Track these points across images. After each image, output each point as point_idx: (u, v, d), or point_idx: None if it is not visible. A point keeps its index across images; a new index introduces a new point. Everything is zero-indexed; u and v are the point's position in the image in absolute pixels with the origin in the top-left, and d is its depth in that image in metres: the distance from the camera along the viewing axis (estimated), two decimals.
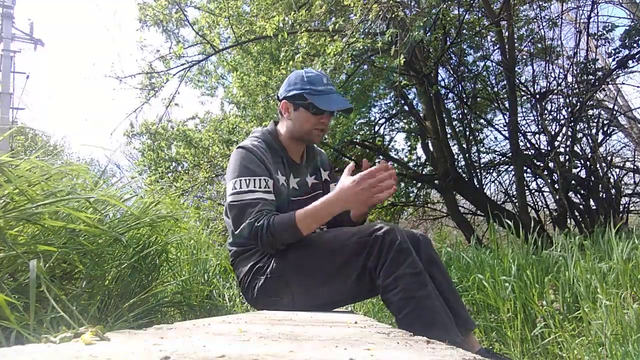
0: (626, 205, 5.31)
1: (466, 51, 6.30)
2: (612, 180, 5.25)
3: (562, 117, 5.51)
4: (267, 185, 1.51)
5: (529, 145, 6.00)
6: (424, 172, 7.08)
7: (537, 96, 5.59)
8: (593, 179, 5.06)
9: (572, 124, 5.02)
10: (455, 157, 6.22)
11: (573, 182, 5.08)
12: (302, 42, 4.08)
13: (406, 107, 6.94)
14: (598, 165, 5.15)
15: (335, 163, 5.94)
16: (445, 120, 6.07)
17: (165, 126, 5.79)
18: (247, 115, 5.13)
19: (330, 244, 1.42)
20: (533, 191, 6.05)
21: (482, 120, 6.75)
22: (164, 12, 4.92)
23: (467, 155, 6.24)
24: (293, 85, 1.63)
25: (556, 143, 5.23)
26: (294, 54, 4.19)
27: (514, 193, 5.98)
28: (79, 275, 1.36)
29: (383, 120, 7.17)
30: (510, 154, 5.96)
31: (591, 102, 5.27)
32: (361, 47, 3.97)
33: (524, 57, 6.20)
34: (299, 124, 1.63)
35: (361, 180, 1.35)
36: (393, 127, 7.43)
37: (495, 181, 6.87)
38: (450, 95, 6.57)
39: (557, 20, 5.50)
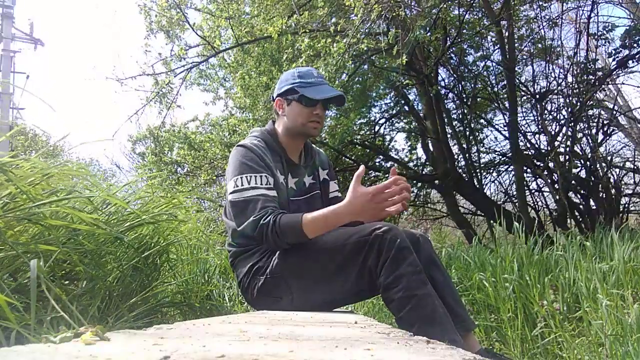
0: (626, 205, 5.31)
1: (466, 51, 6.29)
2: (612, 180, 5.24)
3: (562, 117, 5.51)
4: (269, 181, 1.50)
5: (529, 145, 5.99)
6: (424, 172, 7.06)
7: (537, 96, 5.59)
8: (593, 179, 5.06)
9: (572, 124, 5.02)
10: (455, 157, 6.21)
11: (573, 182, 5.08)
12: (302, 45, 4.06)
13: (406, 107, 6.94)
14: (598, 165, 5.15)
15: (335, 163, 5.94)
16: (445, 120, 6.07)
17: (168, 130, 5.81)
18: (249, 119, 5.11)
19: (330, 244, 1.41)
20: (533, 191, 6.04)
21: (482, 120, 6.74)
22: (165, 14, 4.92)
23: (467, 155, 6.24)
24: (285, 82, 1.67)
25: (556, 143, 5.23)
26: (296, 55, 4.18)
27: (514, 193, 5.97)
28: (79, 275, 1.36)
29: (383, 120, 7.16)
30: (510, 154, 5.95)
31: (591, 102, 5.26)
32: (364, 48, 3.97)
33: (524, 57, 6.19)
34: (293, 118, 1.64)
35: (376, 193, 1.30)
36: (393, 127, 7.41)
37: (495, 181, 6.87)
38: (450, 95, 6.57)
39: (557, 20, 5.49)
